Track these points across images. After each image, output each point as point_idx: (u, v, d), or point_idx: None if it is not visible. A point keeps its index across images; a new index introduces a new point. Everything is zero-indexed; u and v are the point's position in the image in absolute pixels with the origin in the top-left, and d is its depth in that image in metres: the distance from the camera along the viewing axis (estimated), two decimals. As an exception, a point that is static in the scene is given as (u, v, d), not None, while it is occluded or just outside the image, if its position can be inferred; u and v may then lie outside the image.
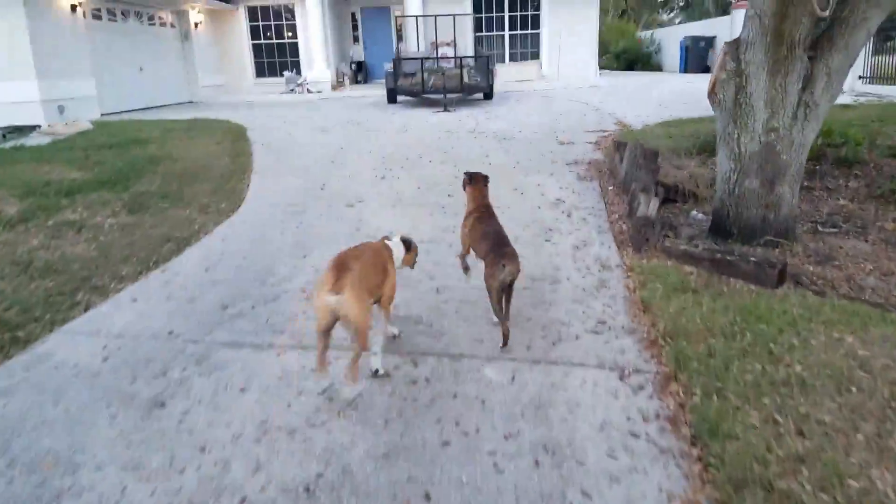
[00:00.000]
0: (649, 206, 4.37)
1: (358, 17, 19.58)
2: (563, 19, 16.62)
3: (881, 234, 4.98)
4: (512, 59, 17.40)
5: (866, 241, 4.86)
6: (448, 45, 15.54)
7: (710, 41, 18.76)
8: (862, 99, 10.51)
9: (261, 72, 17.93)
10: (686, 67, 19.15)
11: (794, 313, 3.29)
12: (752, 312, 3.28)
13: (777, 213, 4.58)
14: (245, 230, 5.04)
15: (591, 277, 3.85)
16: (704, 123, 8.58)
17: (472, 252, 3.40)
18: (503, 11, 17.12)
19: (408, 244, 3.17)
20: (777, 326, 3.13)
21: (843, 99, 10.37)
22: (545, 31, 16.94)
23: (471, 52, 15.24)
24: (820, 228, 5.13)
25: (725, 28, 17.64)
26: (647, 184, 4.80)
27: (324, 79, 16.96)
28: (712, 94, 4.77)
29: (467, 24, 15.73)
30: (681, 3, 52.62)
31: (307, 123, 10.58)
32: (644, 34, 25.66)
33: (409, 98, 13.37)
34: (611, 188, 5.81)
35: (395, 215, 5.30)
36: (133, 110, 13.33)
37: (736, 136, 4.64)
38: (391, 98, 13.40)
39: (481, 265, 3.15)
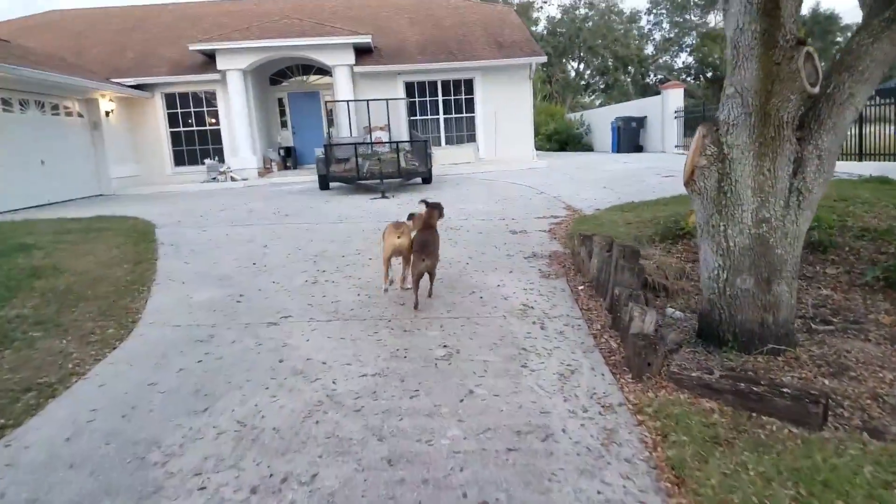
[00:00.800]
0: (645, 321, 3.57)
1: (286, 102, 19.02)
2: (497, 102, 16.55)
3: (881, 330, 4.37)
4: (448, 142, 17.09)
5: (869, 340, 4.24)
6: (382, 129, 15.07)
7: (641, 121, 19.18)
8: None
9: (180, 160, 16.81)
10: (619, 148, 19.44)
11: (867, 475, 2.47)
12: (815, 478, 2.45)
13: (776, 316, 3.92)
14: (131, 370, 3.88)
15: (592, 427, 2.93)
16: (660, 207, 8.12)
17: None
18: (437, 95, 16.93)
19: (412, 216, 5.45)
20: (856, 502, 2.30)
21: None
22: (480, 114, 16.80)
23: (406, 137, 14.77)
24: (813, 325, 4.50)
25: (656, 108, 18.07)
26: (633, 289, 4.03)
27: (249, 166, 16.05)
28: (690, 181, 4.14)
29: (401, 109, 15.37)
30: (601, 86, 55.89)
31: (227, 216, 9.53)
32: (573, 116, 26.34)
33: (342, 185, 12.60)
34: (581, 288, 5.04)
35: (331, 335, 4.28)
36: (31, 207, 11.91)
37: (722, 228, 4.01)
38: (323, 185, 12.59)
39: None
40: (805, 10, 50.82)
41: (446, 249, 6.62)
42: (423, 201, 5.46)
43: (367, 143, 12.91)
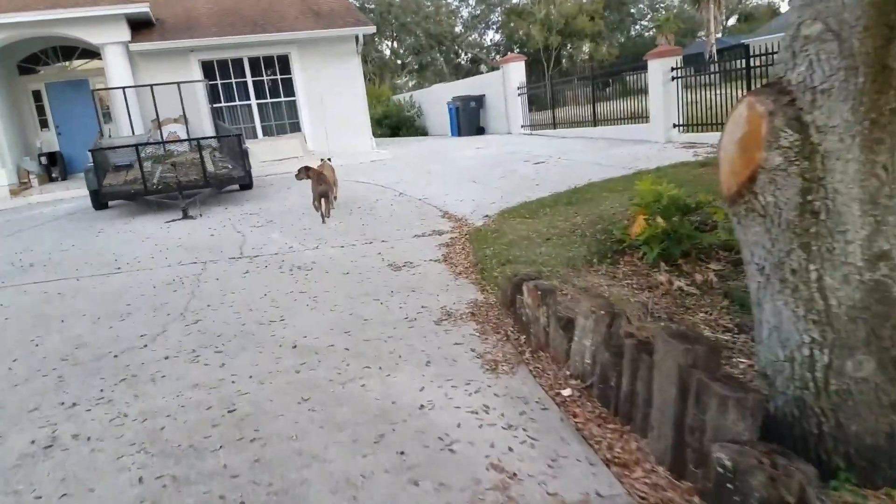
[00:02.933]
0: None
1: (44, 95, 14.51)
2: (323, 82, 13.82)
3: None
4: (266, 132, 14.02)
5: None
6: (177, 121, 11.68)
7: (480, 100, 17.48)
8: (702, 151, 9.37)
9: None
10: (459, 131, 17.60)
11: None
12: None
13: (905, 419, 2.17)
14: None
15: None
16: (567, 209, 6.27)
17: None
18: (244, 76, 13.73)
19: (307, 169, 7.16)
20: None
21: (674, 154, 9.09)
22: (303, 98, 13.94)
23: (210, 130, 11.55)
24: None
25: (497, 85, 16.45)
26: (751, 446, 1.93)
27: (-8, 182, 11.73)
28: (747, 193, 2.16)
29: (199, 95, 12.03)
30: (415, 67, 54.64)
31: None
32: (401, 97, 24.21)
33: (128, 202, 9.19)
34: (568, 395, 2.82)
35: None
36: None
37: (814, 275, 2.11)
38: (98, 204, 9.11)
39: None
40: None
41: (300, 320, 4.06)
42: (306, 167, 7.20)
43: (156, 143, 9.61)
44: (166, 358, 3.60)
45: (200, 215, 7.90)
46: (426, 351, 3.37)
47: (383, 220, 6.90)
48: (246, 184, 9.67)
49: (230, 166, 9.29)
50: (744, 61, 9.42)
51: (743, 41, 45.63)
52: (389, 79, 47.29)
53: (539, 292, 3.22)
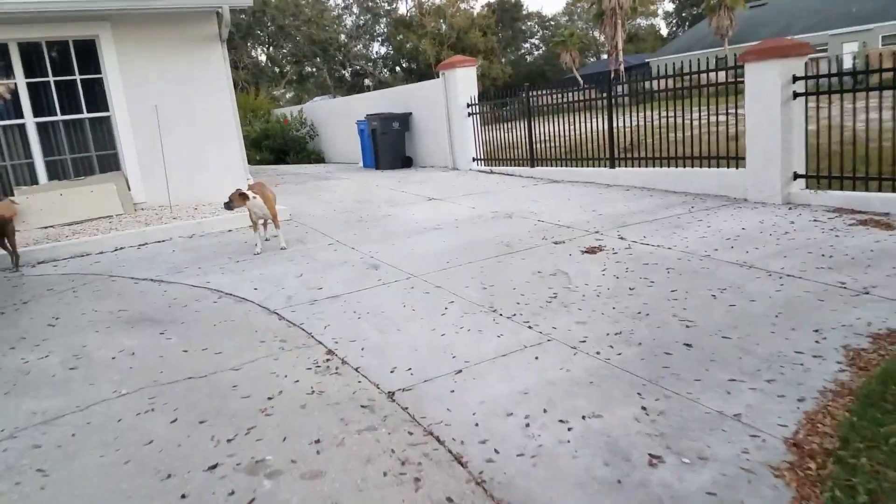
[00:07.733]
0: None
1: None
2: (161, 85, 8.10)
3: None
4: (56, 173, 8.03)
5: None
6: None
7: (405, 121, 12.30)
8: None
9: None
10: (377, 162, 12.35)
11: None
12: None
13: None
14: None
15: None
16: None
17: None
18: (11, 75, 7.71)
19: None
20: None
21: (880, 243, 4.17)
22: (123, 112, 8.09)
23: None
24: None
25: (434, 98, 11.23)
26: None
27: None
28: None
29: None
30: (294, 77, 48.57)
31: None
32: (288, 111, 18.48)
33: None
34: None
35: None
36: None
37: None
38: None
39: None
40: (493, -1, 51.17)
41: None
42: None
43: None
44: None
45: None
46: None
47: None
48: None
49: None
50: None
51: (646, 60, 43.76)
52: (267, 89, 40.92)
53: None
